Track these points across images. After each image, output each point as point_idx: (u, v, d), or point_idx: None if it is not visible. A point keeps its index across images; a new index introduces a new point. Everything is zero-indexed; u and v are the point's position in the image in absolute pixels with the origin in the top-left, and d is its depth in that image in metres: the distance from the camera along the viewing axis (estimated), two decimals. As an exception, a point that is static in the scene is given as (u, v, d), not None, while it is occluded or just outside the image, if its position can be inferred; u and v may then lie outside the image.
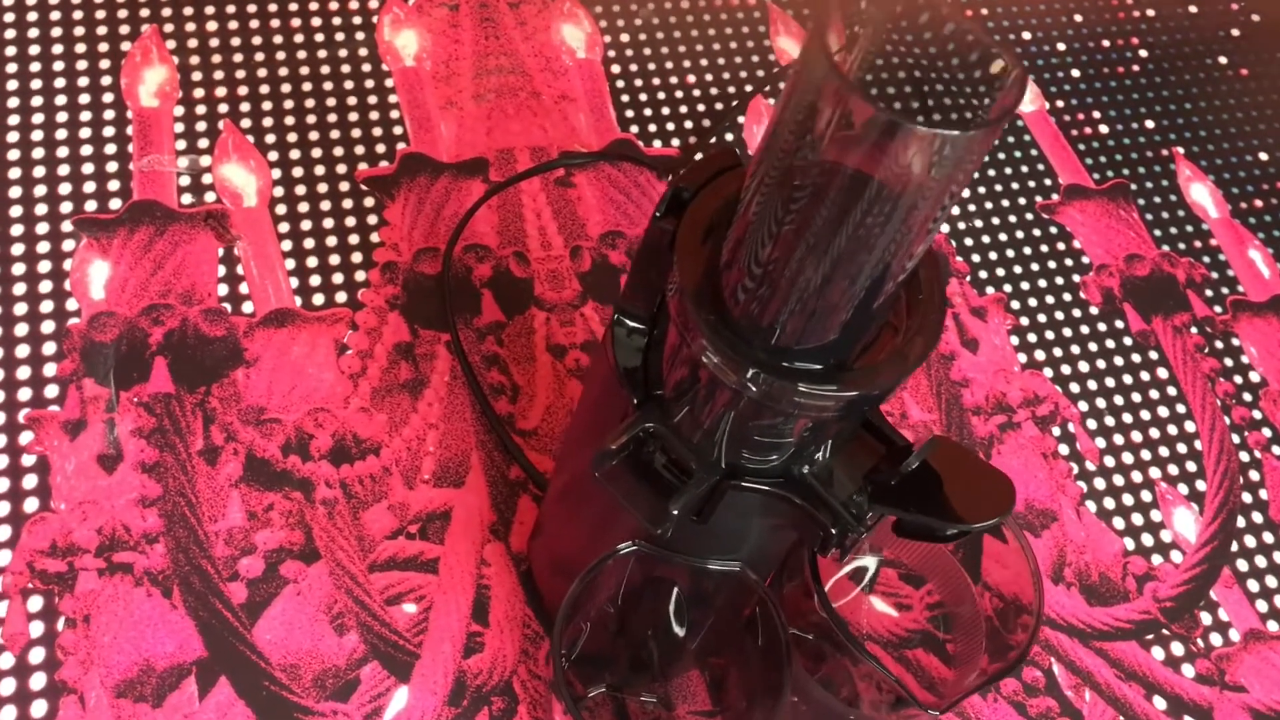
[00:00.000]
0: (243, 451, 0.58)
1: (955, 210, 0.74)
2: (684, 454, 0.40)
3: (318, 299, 0.63)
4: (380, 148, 0.68)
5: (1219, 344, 0.73)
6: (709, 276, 0.36)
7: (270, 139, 0.67)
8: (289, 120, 0.68)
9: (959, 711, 0.58)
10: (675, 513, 0.39)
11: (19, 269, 0.61)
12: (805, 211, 0.31)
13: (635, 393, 0.41)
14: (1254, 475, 0.68)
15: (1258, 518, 0.67)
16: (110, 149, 0.65)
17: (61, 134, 0.65)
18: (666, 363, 0.40)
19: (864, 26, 0.30)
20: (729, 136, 0.74)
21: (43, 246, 0.62)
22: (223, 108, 0.68)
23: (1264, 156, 0.83)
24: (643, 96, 0.74)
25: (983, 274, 0.72)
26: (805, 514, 0.40)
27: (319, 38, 0.72)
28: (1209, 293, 0.75)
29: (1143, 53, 0.86)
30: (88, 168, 0.64)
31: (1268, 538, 0.66)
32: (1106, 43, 0.86)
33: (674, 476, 0.41)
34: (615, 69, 0.75)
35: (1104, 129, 0.81)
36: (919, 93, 0.31)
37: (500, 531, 0.58)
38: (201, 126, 0.67)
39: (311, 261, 0.64)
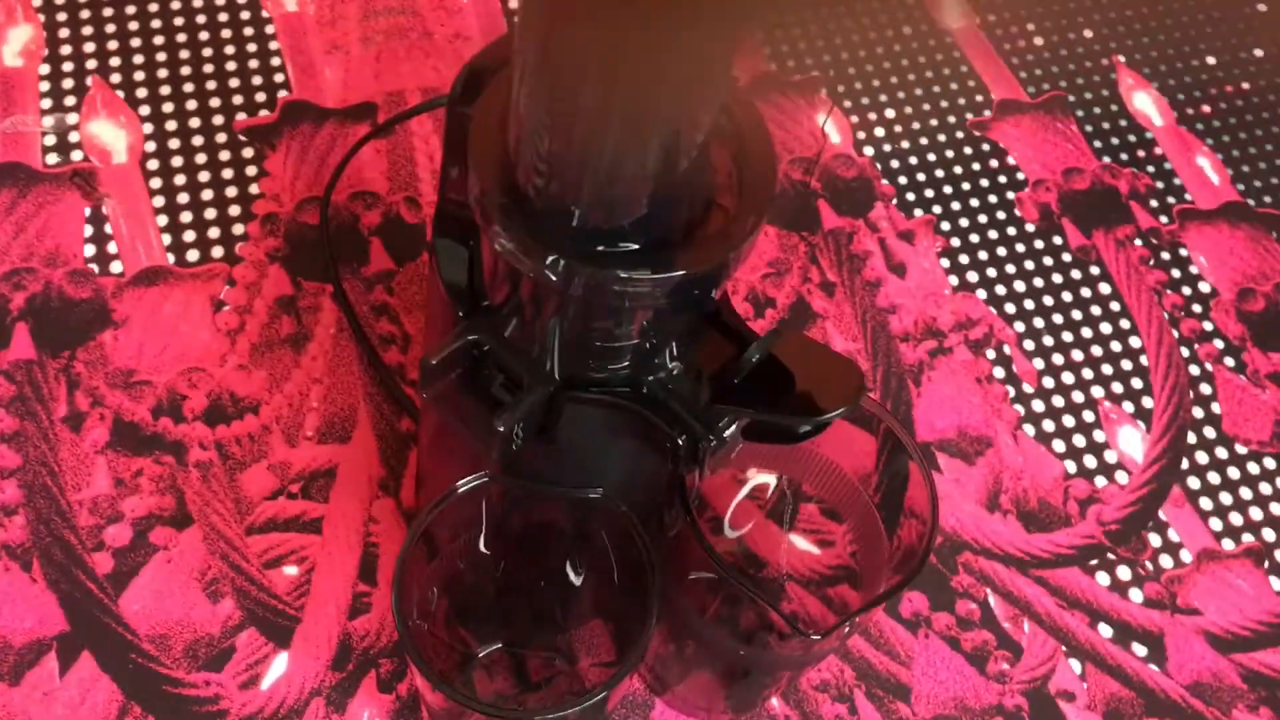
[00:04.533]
0: (109, 416, 0.54)
1: (880, 131, 0.70)
2: (515, 367, 0.37)
3: (192, 255, 0.59)
4: (260, 96, 0.65)
5: (1165, 255, 0.69)
6: (506, 162, 0.33)
7: (142, 93, 0.64)
8: (162, 73, 0.65)
9: (890, 650, 0.55)
10: (502, 429, 0.35)
11: (-126, 240, 0.58)
12: (569, 55, 0.28)
13: (461, 306, 0.37)
14: (1205, 389, 0.64)
15: (1210, 433, 0.63)
16: (-26, 113, 0.62)
17: (-78, 100, 0.62)
18: (487, 271, 0.37)
19: None
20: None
21: (-100, 216, 0.59)
22: (91, 64, 0.64)
23: (1211, 60, 0.78)
24: (544, 32, 0.71)
25: (910, 196, 0.68)
26: (653, 425, 0.37)
27: (195, -13, 0.68)
28: (1154, 203, 0.71)
29: (1079, -40, 0.81)
30: (-50, 133, 0.61)
31: (1221, 453, 0.62)
32: (1040, -48, 0.81)
33: (511, 395, 0.38)
34: (514, 3, 0.71)
35: (1039, 41, 0.77)
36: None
37: (390, 487, 0.55)
38: (69, 84, 0.64)
39: (186, 217, 0.60)
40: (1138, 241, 0.69)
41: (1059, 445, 0.61)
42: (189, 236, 0.60)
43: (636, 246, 0.32)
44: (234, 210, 0.61)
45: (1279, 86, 0.78)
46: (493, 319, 0.37)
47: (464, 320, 0.37)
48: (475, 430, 0.38)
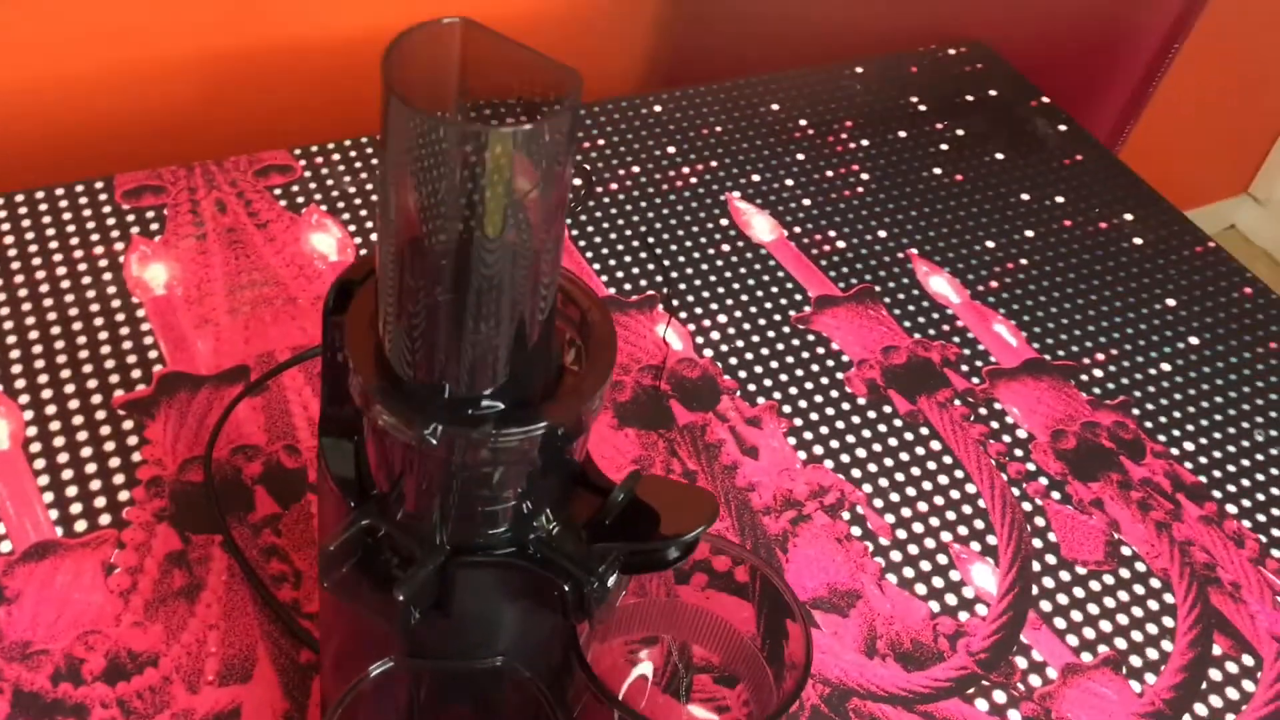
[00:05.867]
0: (9, 690, 0.55)
1: (715, 335, 0.78)
2: (407, 545, 0.40)
3: (80, 525, 0.61)
4: (136, 373, 0.69)
5: (983, 410, 0.76)
6: (380, 354, 0.37)
7: (21, 384, 0.67)
8: (39, 364, 0.68)
9: (800, 805, 0.57)
10: (400, 597, 0.38)
11: None
12: (423, 254, 0.33)
13: (351, 497, 0.41)
14: (1040, 521, 0.71)
15: (1051, 559, 0.69)
16: None
17: None
18: (373, 459, 0.41)
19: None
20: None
21: None
22: (-32, 363, 0.68)
23: (991, 244, 0.89)
24: (399, 287, 0.77)
25: (752, 387, 0.75)
26: (540, 578, 0.40)
27: (65, 284, 0.73)
28: (965, 368, 0.79)
29: (864, 175, 0.93)
30: None
31: (1064, 576, 0.68)
32: (830, 173, 0.93)
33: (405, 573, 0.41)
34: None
35: (841, 244, 0.87)
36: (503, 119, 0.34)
37: (295, 719, 0.56)
38: (-53, 383, 0.67)
39: (71, 491, 0.63)
40: (957, 402, 0.77)
41: (921, 588, 0.66)
42: (76, 509, 0.62)
43: (502, 407, 0.37)
44: (118, 479, 0.64)
45: (1051, 259, 0.89)
46: (382, 504, 0.41)
47: (356, 509, 0.41)
48: (375, 612, 0.41)
